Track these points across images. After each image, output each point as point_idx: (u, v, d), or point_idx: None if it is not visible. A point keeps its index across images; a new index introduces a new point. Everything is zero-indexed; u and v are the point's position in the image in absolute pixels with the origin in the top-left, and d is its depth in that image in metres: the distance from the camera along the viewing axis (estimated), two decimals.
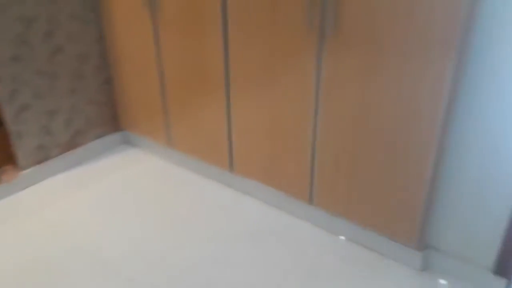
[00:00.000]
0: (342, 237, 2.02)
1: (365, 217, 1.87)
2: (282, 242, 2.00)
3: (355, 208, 1.88)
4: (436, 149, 1.54)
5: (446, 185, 1.69)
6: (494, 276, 1.70)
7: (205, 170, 2.47)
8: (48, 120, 2.35)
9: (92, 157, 2.65)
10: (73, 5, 2.31)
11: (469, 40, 1.41)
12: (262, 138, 2.06)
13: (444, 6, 1.32)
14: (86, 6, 2.37)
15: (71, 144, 2.52)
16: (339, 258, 1.90)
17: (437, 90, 1.44)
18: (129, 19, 2.30)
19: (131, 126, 2.69)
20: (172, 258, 1.91)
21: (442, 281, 1.79)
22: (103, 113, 2.65)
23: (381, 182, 1.75)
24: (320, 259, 1.91)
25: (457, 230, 1.74)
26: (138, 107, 2.57)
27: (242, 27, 1.86)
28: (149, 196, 2.32)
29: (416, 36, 1.41)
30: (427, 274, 1.83)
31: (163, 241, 2.01)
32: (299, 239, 2.02)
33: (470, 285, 1.76)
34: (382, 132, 1.64)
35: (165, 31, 2.17)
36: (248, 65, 1.93)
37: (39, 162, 2.39)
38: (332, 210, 1.97)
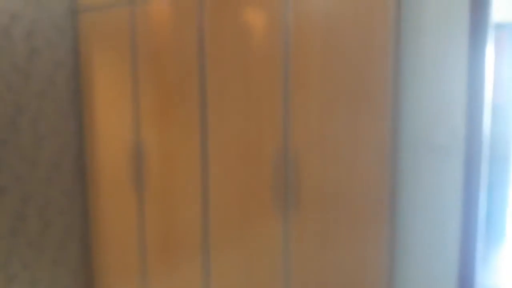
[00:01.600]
0: None
1: None
2: None
3: None
4: None
5: None
6: None
7: None
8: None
9: None
10: (62, 183, 2.57)
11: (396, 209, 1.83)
12: None
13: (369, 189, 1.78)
14: (74, 181, 2.63)
15: None
16: None
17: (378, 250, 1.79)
18: (114, 192, 2.53)
19: None
20: None
21: None
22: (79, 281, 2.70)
23: None
24: None
25: None
26: (116, 273, 2.63)
27: (222, 196, 2.15)
28: None
29: (355, 212, 1.82)
30: None
31: None
32: None
33: None
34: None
35: (149, 203, 2.40)
36: (225, 227, 2.16)
37: None
38: None
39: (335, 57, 1.83)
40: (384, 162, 1.77)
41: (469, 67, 1.87)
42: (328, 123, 1.86)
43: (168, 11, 2.24)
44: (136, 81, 2.37)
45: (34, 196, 2.41)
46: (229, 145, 2.10)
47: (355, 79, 1.80)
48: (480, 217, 1.89)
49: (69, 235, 2.61)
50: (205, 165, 2.17)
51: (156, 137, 2.34)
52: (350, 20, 1.80)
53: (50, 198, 2.50)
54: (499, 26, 3.73)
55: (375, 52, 1.76)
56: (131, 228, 2.48)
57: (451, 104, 1.86)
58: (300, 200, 1.94)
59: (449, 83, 1.87)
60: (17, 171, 2.33)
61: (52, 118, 2.48)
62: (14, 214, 2.32)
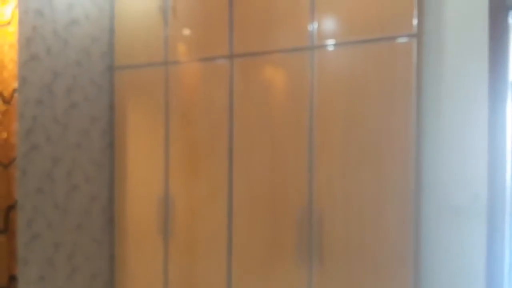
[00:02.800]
0: None
1: None
2: None
3: None
4: None
5: None
6: None
7: None
8: None
9: None
10: (91, 230, 2.63)
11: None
12: None
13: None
14: (103, 229, 2.69)
15: None
16: None
17: None
18: (141, 241, 2.58)
19: None
20: None
21: None
22: None
23: None
24: None
25: None
26: None
27: (244, 256, 2.20)
28: None
29: (379, 269, 1.85)
30: None
31: None
32: None
33: None
34: None
35: (174, 253, 2.44)
36: (249, 280, 2.18)
37: None
38: None
39: (358, 118, 1.89)
40: (407, 221, 1.78)
41: (489, 128, 1.89)
42: (351, 182, 1.90)
43: (199, 72, 2.35)
44: (167, 136, 2.46)
45: (64, 242, 2.47)
46: (254, 200, 2.14)
47: (378, 140, 1.85)
48: (505, 278, 1.86)
49: (95, 280, 2.63)
50: (230, 219, 2.21)
51: (184, 190, 2.40)
52: (373, 84, 1.86)
53: (79, 244, 2.55)
54: None
55: (397, 114, 1.81)
56: (156, 276, 2.50)
57: (472, 165, 1.88)
58: (324, 255, 1.95)
59: (470, 144, 1.89)
60: (50, 218, 2.39)
61: (85, 168, 2.57)
62: (44, 259, 2.37)
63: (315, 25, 1.97)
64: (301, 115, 2.01)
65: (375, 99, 1.84)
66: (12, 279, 2.19)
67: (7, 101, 2.27)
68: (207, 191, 2.31)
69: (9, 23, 2.25)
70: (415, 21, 1.76)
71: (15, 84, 2.22)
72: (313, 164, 1.98)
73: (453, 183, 1.88)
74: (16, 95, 2.21)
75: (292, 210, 2.04)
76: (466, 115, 1.87)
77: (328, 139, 1.95)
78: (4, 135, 2.28)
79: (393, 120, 1.81)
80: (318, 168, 1.97)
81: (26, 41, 2.25)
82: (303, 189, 2.01)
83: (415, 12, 1.76)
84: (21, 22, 2.22)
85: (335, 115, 1.93)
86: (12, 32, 2.23)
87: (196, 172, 2.35)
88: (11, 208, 2.20)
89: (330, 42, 1.94)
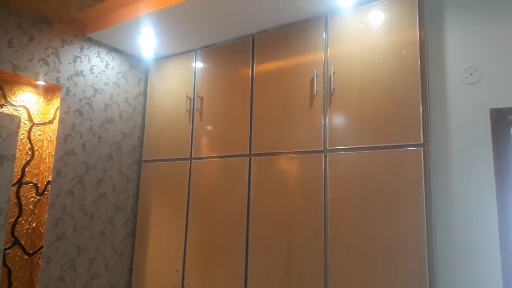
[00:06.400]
0: None
1: None
2: None
3: None
4: None
5: None
6: None
7: None
8: None
9: None
10: None
11: None
12: None
13: None
14: None
15: None
16: None
17: None
18: None
19: None
20: None
21: None
22: None
23: None
24: None
25: None
26: None
27: None
28: None
29: None
30: None
31: None
32: None
33: None
34: None
35: None
36: None
37: None
38: None
39: (370, 219, 1.83)
40: None
41: (500, 231, 1.80)
42: (366, 284, 1.79)
43: (219, 167, 2.36)
44: (186, 227, 2.43)
45: None
46: None
47: (390, 244, 1.77)
48: None
49: None
50: None
51: (200, 281, 2.31)
52: (383, 187, 1.82)
53: None
54: None
55: (408, 217, 1.76)
56: None
57: (486, 269, 1.75)
58: None
59: (483, 248, 1.78)
60: None
61: (107, 257, 2.53)
62: None
63: (327, 129, 1.99)
64: (315, 211, 1.97)
65: (385, 201, 1.79)
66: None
67: (40, 193, 2.32)
68: (223, 283, 2.21)
69: (51, 121, 2.36)
70: (421, 131, 1.75)
71: (49, 176, 2.27)
72: (328, 259, 1.90)
73: (468, 285, 1.75)
74: (49, 187, 2.25)
75: None
76: (476, 215, 1.78)
77: (342, 236, 1.88)
78: (33, 224, 2.29)
79: (404, 221, 1.74)
80: (333, 264, 1.88)
81: (64, 138, 2.35)
82: (318, 284, 1.90)
83: (421, 122, 1.76)
84: (61, 121, 2.33)
85: (348, 212, 1.88)
86: (53, 129, 2.33)
87: (212, 263, 2.28)
88: None
89: (341, 146, 1.94)
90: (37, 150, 2.38)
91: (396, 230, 1.75)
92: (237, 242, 2.20)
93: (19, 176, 2.30)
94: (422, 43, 1.82)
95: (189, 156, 2.50)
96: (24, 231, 2.29)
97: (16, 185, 2.29)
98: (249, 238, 2.16)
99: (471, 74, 1.87)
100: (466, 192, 1.82)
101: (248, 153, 2.25)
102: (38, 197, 2.33)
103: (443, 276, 1.81)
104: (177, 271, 2.41)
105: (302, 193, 2.03)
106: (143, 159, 2.76)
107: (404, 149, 1.79)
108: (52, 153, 2.31)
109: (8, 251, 2.22)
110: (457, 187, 1.84)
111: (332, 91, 2.02)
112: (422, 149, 1.74)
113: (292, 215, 2.04)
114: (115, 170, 2.63)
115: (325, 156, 1.99)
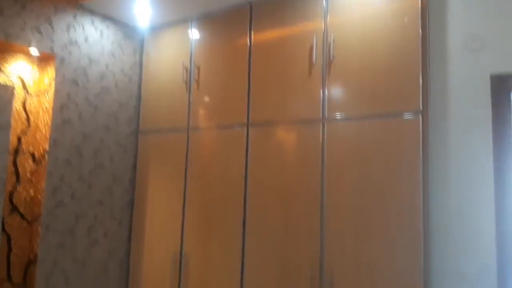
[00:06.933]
0: None
1: None
2: None
3: None
4: None
5: None
6: None
7: None
8: None
9: None
10: (107, 283, 2.60)
11: None
12: None
13: None
14: (119, 282, 2.58)
15: None
16: None
17: None
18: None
19: None
20: None
21: None
22: None
23: None
24: None
25: None
26: None
27: None
28: None
29: None
30: None
31: None
32: None
33: None
34: None
35: None
36: None
37: None
38: None
39: (367, 186, 1.85)
40: (417, 284, 1.66)
41: (496, 197, 1.82)
42: (362, 245, 1.83)
43: (216, 137, 2.35)
44: (185, 195, 2.44)
45: None
46: (267, 260, 2.07)
47: (386, 207, 1.79)
48: None
49: None
50: (243, 277, 2.14)
51: (198, 247, 2.35)
52: (381, 154, 1.83)
53: None
54: None
55: (405, 184, 1.77)
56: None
57: (481, 233, 1.79)
58: None
59: (478, 213, 1.81)
60: (68, 272, 2.34)
61: (106, 224, 2.54)
62: None
63: (326, 98, 1.98)
64: (312, 180, 1.98)
65: (382, 169, 1.80)
66: None
67: (37, 161, 2.30)
68: (221, 249, 2.24)
69: (46, 91, 2.32)
70: (420, 99, 1.74)
71: (46, 146, 2.25)
72: (325, 226, 1.91)
73: (461, 252, 1.78)
74: (46, 156, 2.23)
75: (304, 270, 1.94)
76: (472, 184, 1.80)
77: (339, 204, 1.89)
78: (32, 192, 2.28)
79: (401, 189, 1.75)
80: (329, 230, 1.90)
81: (60, 107, 2.31)
82: (314, 249, 1.93)
83: (420, 90, 1.75)
84: (57, 90, 2.29)
85: (345, 181, 1.89)
86: (48, 99, 2.29)
87: (210, 231, 2.30)
88: (31, 262, 2.16)
89: (340, 115, 1.93)
90: (33, 120, 2.35)
91: (392, 196, 1.77)
92: (235, 211, 2.21)
93: (15, 146, 2.27)
94: (424, 10, 1.79)
95: (187, 126, 2.48)
96: (23, 199, 2.28)
97: (13, 155, 2.26)
98: (247, 206, 2.17)
99: (473, 41, 1.85)
100: (464, 159, 1.83)
101: (246, 122, 2.23)
102: (35, 166, 2.31)
103: (438, 238, 1.83)
104: None
105: (300, 162, 2.02)
106: (140, 129, 2.73)
107: (403, 116, 1.78)
108: (48, 123, 2.28)
109: (7, 218, 2.22)
110: (455, 153, 1.85)
111: (331, 59, 1.99)
112: (420, 116, 1.74)
113: (290, 184, 2.04)
114: (112, 140, 2.60)
115: (323, 125, 1.98)
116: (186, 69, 2.53)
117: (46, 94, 2.32)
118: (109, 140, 2.59)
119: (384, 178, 1.79)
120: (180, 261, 2.39)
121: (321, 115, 1.99)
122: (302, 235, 1.98)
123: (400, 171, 1.76)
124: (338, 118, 1.95)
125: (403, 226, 1.73)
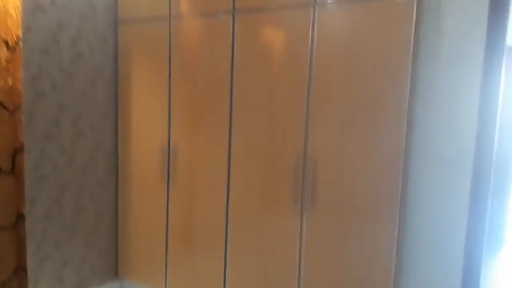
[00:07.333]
0: None
1: None
2: None
3: None
4: None
5: None
6: None
7: None
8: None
9: None
10: (96, 174, 2.57)
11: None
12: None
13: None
14: (107, 173, 2.62)
15: None
16: None
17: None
18: (143, 184, 2.55)
19: (130, 274, 2.68)
20: None
21: None
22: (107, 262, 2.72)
23: None
24: None
25: None
26: (140, 257, 2.63)
27: (241, 200, 2.17)
28: None
29: (367, 213, 1.81)
30: None
31: None
32: None
33: None
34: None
35: (175, 196, 2.42)
36: (245, 221, 2.16)
37: None
38: None
39: (356, 74, 1.82)
40: (396, 170, 1.75)
41: (482, 87, 1.81)
42: (345, 134, 1.85)
43: (201, 27, 2.23)
44: (170, 87, 2.39)
45: (70, 184, 2.45)
46: (253, 149, 2.10)
47: (373, 95, 1.78)
48: (485, 227, 1.84)
49: (99, 221, 2.64)
50: (229, 166, 2.19)
51: (186, 138, 2.36)
52: (372, 41, 1.77)
53: (85, 186, 2.53)
54: (509, 49, 3.61)
55: (394, 71, 1.74)
56: (157, 218, 2.51)
57: (463, 119, 1.81)
58: (316, 200, 1.93)
59: (462, 100, 1.82)
60: (57, 161, 2.36)
61: (91, 116, 2.51)
62: (51, 200, 2.36)
63: None
64: (300, 70, 1.93)
65: (373, 57, 1.75)
66: (20, 217, 2.19)
67: (12, 49, 2.17)
68: (208, 139, 2.26)
69: None
70: None
71: (19, 32, 2.11)
72: (310, 116, 1.92)
73: (442, 135, 1.81)
74: (20, 43, 2.11)
75: (288, 158, 1.99)
76: (460, 73, 1.78)
77: (326, 94, 1.87)
78: (10, 81, 2.20)
79: (389, 76, 1.72)
80: (314, 120, 1.91)
81: None
82: (299, 139, 1.95)
83: None
84: None
85: (333, 71, 1.85)
86: None
87: (197, 122, 2.29)
88: (17, 151, 2.16)
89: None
90: (2, 4, 2.17)
91: (379, 85, 1.74)
92: (222, 101, 2.18)
93: None
94: None
95: (168, 14, 2.33)
96: (1, 88, 2.20)
97: None
98: (233, 96, 2.14)
99: None
100: (455, 47, 1.77)
101: (232, 9, 2.10)
102: (10, 54, 2.19)
103: (419, 134, 1.86)
104: None
105: (289, 50, 1.95)
106: (119, 18, 2.56)
107: None
108: (19, 7, 2.11)
109: None
110: (447, 40, 1.79)
111: None
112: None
113: (277, 73, 1.99)
114: (90, 29, 2.45)
115: (314, 9, 1.86)
116: None
117: None
118: (88, 29, 2.44)
119: (372, 66, 1.75)
120: (169, 151, 2.42)
121: None
122: (287, 124, 1.99)
123: (390, 59, 1.71)
124: (329, 1, 1.83)
125: (387, 112, 1.73)
